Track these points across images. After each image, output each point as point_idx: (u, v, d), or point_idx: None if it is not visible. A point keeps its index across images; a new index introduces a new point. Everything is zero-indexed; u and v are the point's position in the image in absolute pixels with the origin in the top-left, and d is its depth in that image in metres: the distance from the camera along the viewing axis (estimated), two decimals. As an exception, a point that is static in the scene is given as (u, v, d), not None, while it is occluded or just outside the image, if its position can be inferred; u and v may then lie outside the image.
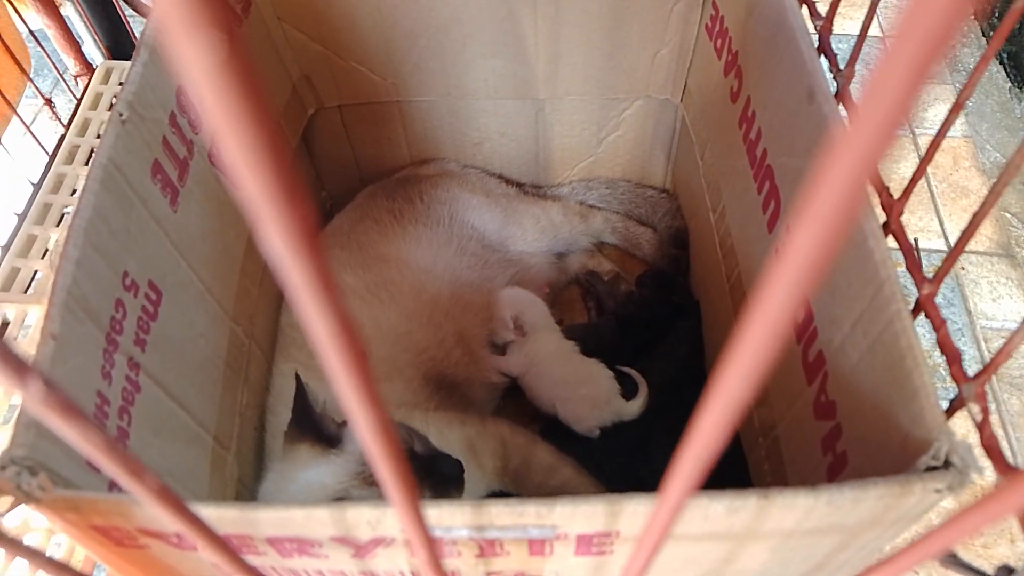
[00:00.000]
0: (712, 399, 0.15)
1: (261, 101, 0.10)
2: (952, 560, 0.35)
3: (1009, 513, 0.16)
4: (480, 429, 0.79)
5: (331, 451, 0.65)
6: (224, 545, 0.24)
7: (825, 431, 0.57)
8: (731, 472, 0.79)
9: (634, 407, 0.88)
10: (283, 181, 0.10)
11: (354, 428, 0.17)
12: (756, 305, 0.13)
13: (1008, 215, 1.29)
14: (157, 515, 0.21)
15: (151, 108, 0.64)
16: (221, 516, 0.41)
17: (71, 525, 0.44)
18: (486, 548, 0.44)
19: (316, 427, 0.67)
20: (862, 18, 0.60)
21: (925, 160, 0.46)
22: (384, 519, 0.40)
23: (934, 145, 0.46)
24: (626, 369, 0.91)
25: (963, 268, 1.22)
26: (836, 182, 0.10)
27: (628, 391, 0.90)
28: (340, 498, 0.61)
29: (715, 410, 0.15)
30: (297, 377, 0.70)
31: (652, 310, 1.00)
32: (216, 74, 0.09)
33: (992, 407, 1.08)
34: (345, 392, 0.16)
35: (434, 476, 0.63)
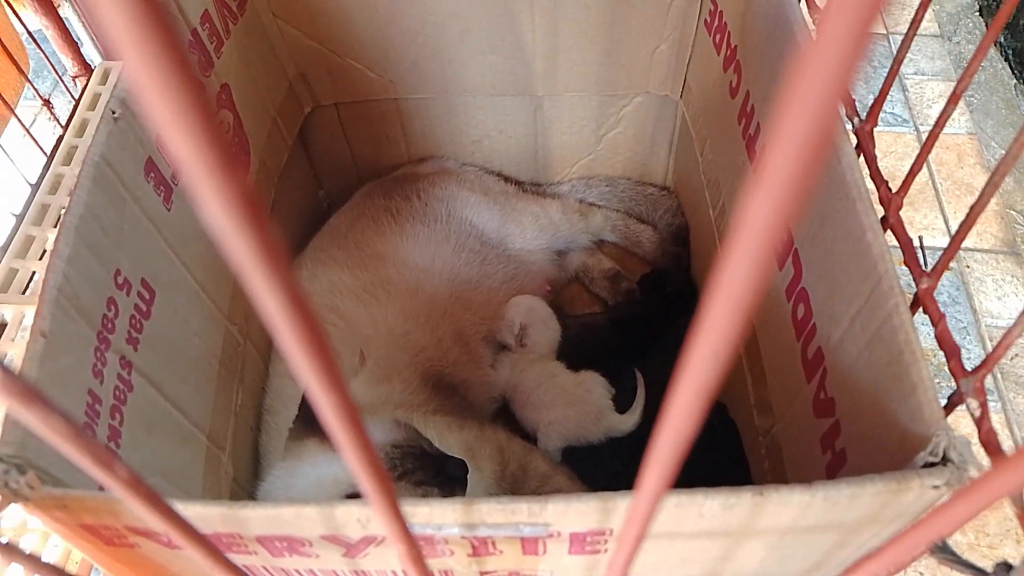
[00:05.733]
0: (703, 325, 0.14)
1: (179, 48, 0.09)
2: (951, 557, 0.34)
3: (997, 499, 0.15)
4: (478, 434, 0.78)
5: None
6: (202, 538, 0.24)
7: (824, 428, 0.57)
8: (732, 472, 0.78)
9: (627, 423, 0.85)
10: (213, 142, 0.10)
11: (318, 416, 0.16)
12: (736, 233, 0.12)
13: (1014, 212, 1.28)
14: (131, 507, 0.21)
15: (144, 105, 0.64)
16: (209, 514, 0.41)
17: (60, 524, 0.43)
18: (479, 547, 0.44)
19: None
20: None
21: (923, 152, 0.45)
22: (375, 517, 0.40)
23: (932, 136, 0.45)
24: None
25: (968, 266, 1.21)
26: (808, 93, 0.09)
27: (626, 399, 0.87)
28: (356, 492, 0.60)
29: (703, 345, 0.14)
30: None
31: (650, 309, 0.99)
32: (127, 19, 0.08)
33: (998, 406, 1.06)
34: (305, 376, 0.15)
35: (442, 477, 0.63)
